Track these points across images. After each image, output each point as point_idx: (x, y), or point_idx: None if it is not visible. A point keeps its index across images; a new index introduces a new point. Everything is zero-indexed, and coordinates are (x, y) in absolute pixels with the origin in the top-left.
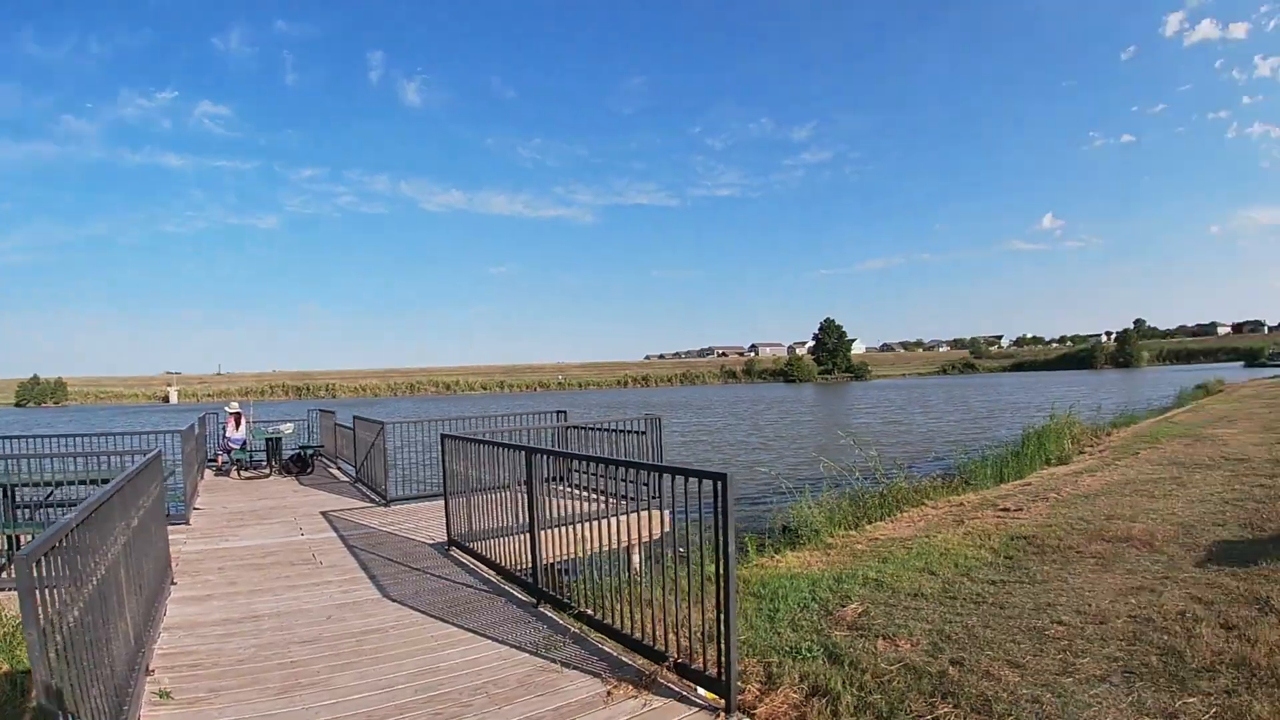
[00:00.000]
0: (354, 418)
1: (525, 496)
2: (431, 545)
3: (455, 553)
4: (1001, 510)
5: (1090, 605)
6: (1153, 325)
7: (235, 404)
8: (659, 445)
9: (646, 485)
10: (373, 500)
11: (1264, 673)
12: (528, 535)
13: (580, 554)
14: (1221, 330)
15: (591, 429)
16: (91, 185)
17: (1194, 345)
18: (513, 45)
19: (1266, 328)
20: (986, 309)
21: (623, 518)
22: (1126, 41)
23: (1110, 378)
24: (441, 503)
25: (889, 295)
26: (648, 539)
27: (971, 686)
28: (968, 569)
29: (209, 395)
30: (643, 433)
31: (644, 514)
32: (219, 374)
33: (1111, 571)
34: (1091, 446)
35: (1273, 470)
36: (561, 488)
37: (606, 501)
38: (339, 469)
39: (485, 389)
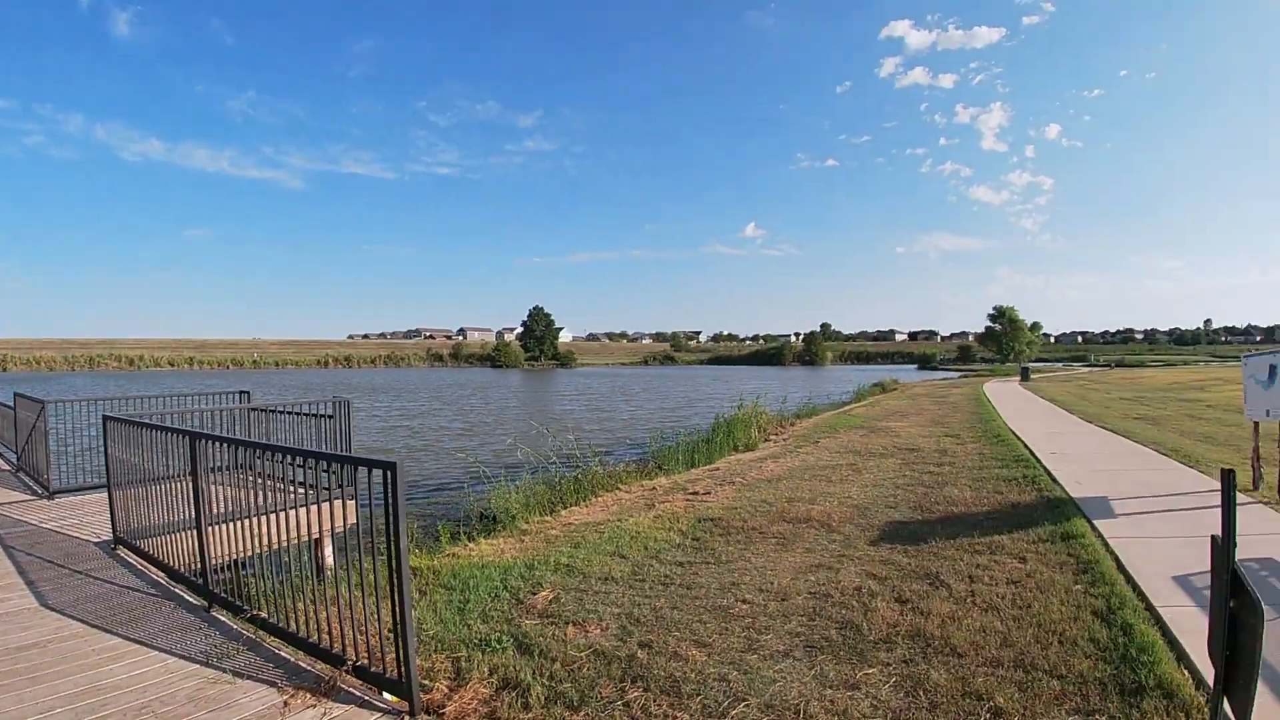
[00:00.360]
0: (15, 395)
1: (191, 488)
2: (97, 544)
3: (122, 552)
4: (691, 494)
5: (772, 583)
6: (837, 329)
7: None
8: (347, 431)
9: (334, 473)
10: (35, 492)
11: (938, 643)
12: (195, 531)
13: (262, 549)
14: (899, 337)
15: (275, 412)
16: None
17: (873, 348)
18: None
19: (939, 337)
20: (688, 306)
21: (308, 509)
22: (844, 77)
23: (797, 373)
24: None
25: (598, 287)
26: (340, 529)
27: (660, 668)
28: (657, 551)
29: None
30: (330, 416)
31: (333, 504)
32: None
33: (792, 550)
34: (776, 435)
35: (939, 460)
36: (244, 476)
37: (294, 492)
38: None
39: (173, 365)
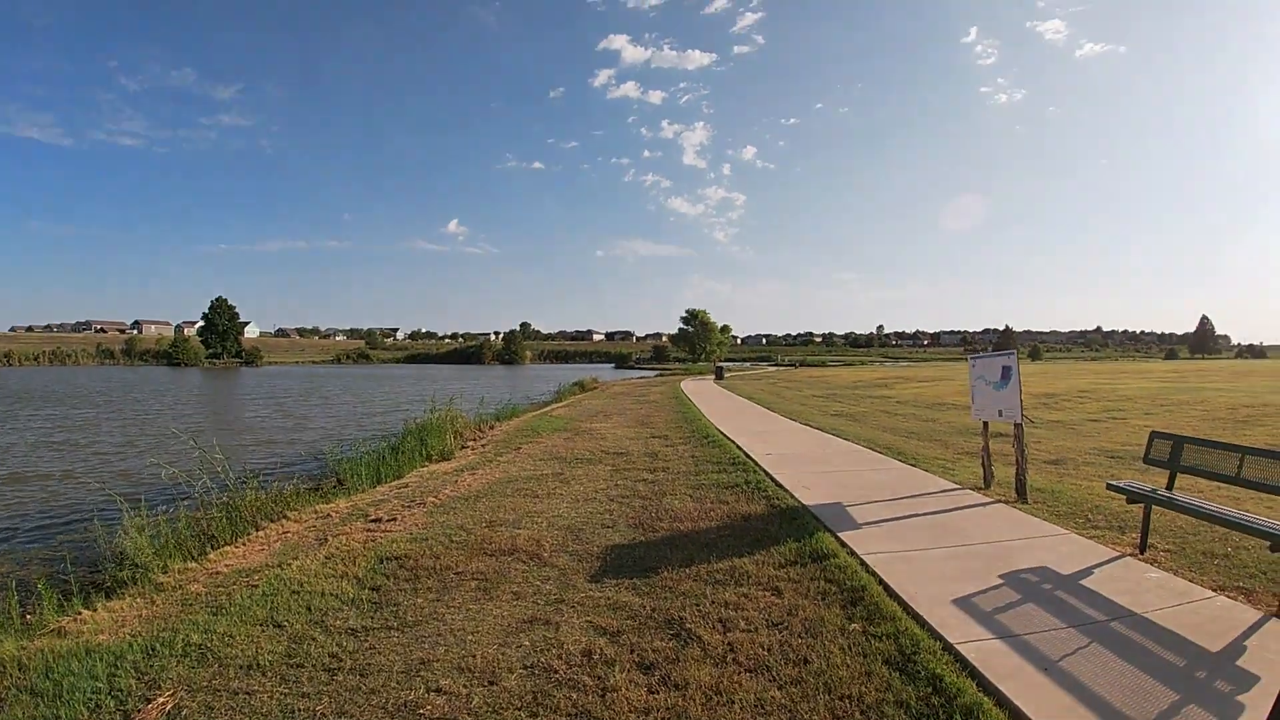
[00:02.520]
0: None
1: None
2: None
3: None
4: (373, 521)
5: (476, 655)
6: (537, 328)
7: None
8: None
9: None
10: None
11: None
12: None
13: None
14: (597, 336)
15: None
16: None
17: (572, 347)
18: None
19: (635, 337)
20: (385, 302)
21: None
22: (559, 83)
23: (498, 372)
24: None
25: (288, 279)
26: None
27: None
28: (323, 613)
29: None
30: None
31: None
32: None
33: (497, 598)
34: (474, 441)
35: (651, 465)
36: None
37: None
38: None
39: None
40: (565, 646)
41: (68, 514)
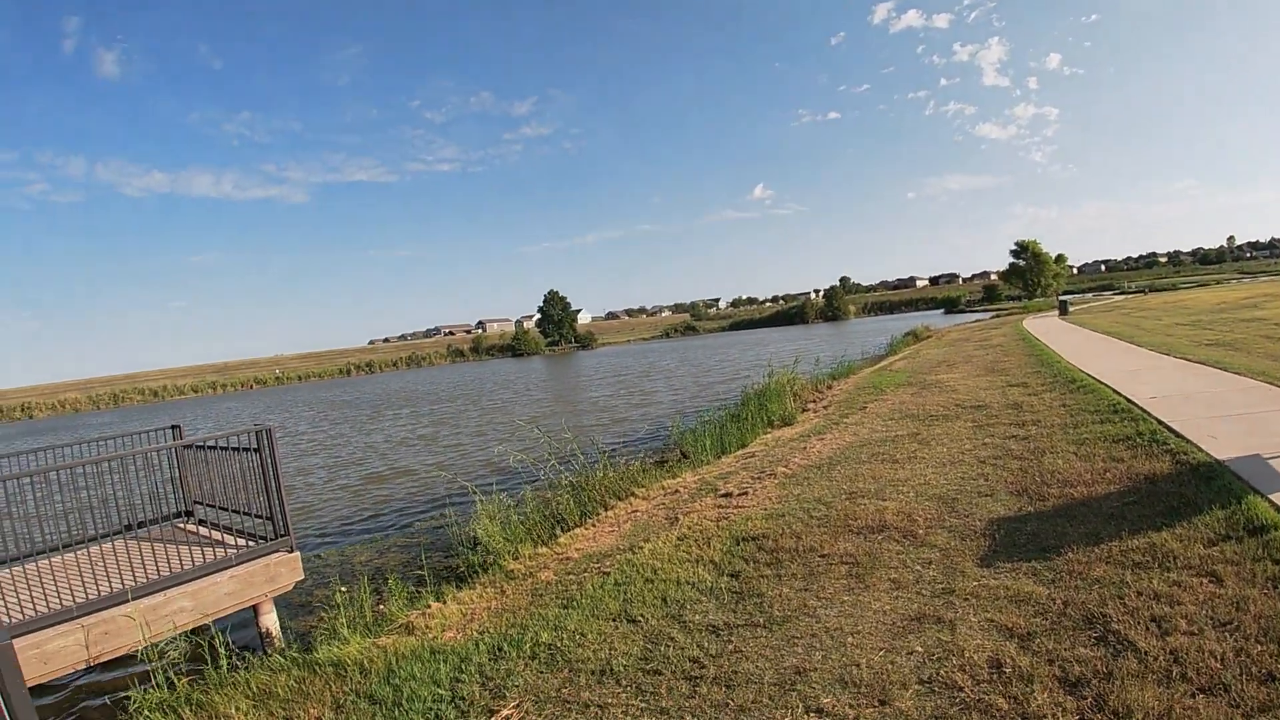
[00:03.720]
0: None
1: None
2: None
3: None
4: (723, 496)
5: (859, 664)
6: (857, 281)
7: None
8: (273, 466)
9: (270, 519)
10: None
11: None
12: None
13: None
14: (920, 283)
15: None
16: None
17: (895, 297)
18: (219, 11)
19: (960, 279)
20: (704, 273)
21: (226, 572)
22: (837, 27)
23: (822, 330)
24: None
25: (611, 265)
26: (276, 591)
27: None
28: (680, 606)
29: None
30: (253, 449)
31: (268, 560)
32: None
33: (873, 587)
34: (815, 403)
35: (1017, 417)
36: (184, 524)
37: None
38: None
39: (196, 391)
40: (966, 654)
41: (425, 503)
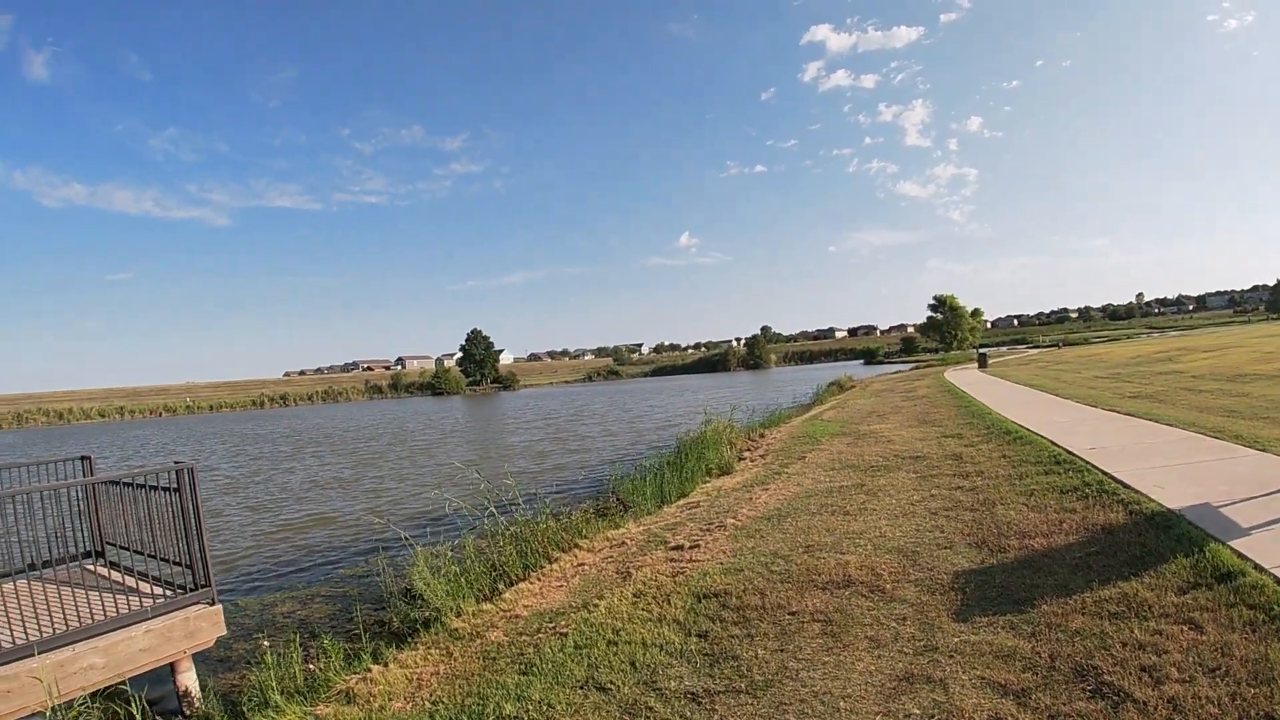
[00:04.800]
0: None
1: None
2: None
3: None
4: (674, 549)
5: None
6: (778, 331)
7: None
8: (196, 507)
9: (190, 567)
10: None
11: None
12: None
13: (86, 688)
14: (839, 334)
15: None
16: None
17: (815, 347)
18: (153, 20)
19: (879, 331)
20: (628, 319)
21: (141, 626)
22: (769, 83)
23: (745, 378)
24: None
25: (534, 307)
26: (196, 647)
27: None
28: (651, 670)
29: None
30: (174, 489)
31: (188, 613)
32: None
33: (851, 646)
34: (750, 451)
35: (959, 468)
36: (93, 567)
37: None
38: None
39: (104, 416)
40: (966, 714)
41: (350, 550)
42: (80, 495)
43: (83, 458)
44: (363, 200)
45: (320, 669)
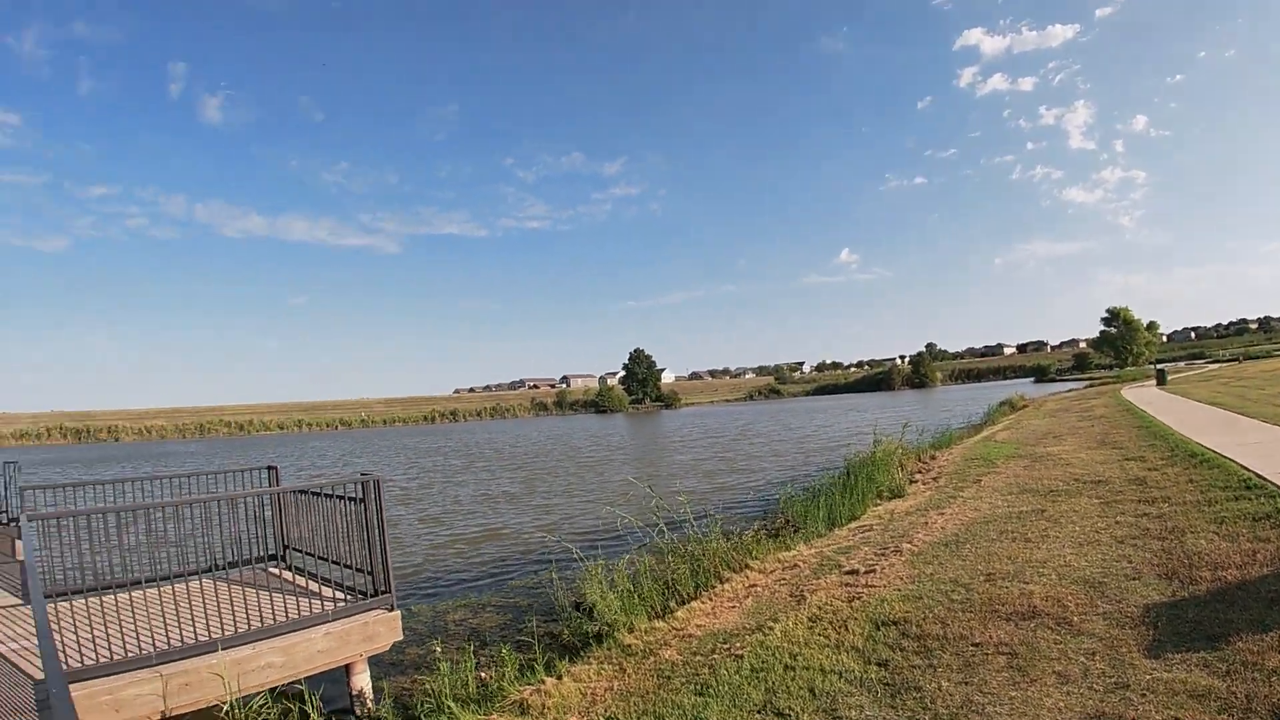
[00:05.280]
0: (10, 478)
1: None
2: (35, 684)
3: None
4: (849, 574)
5: None
6: (943, 348)
7: None
8: (380, 517)
9: (370, 574)
10: (24, 593)
11: None
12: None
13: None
14: (1007, 350)
15: (301, 493)
16: None
17: (983, 365)
18: (322, 65)
19: (1049, 346)
20: (789, 337)
21: (321, 628)
22: (924, 91)
23: (909, 397)
24: (100, 600)
25: (695, 326)
26: (373, 651)
27: None
28: (831, 699)
29: None
30: (358, 499)
31: (367, 617)
32: None
33: (1039, 680)
34: (921, 474)
35: (1143, 493)
36: (276, 570)
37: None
38: None
39: (283, 428)
40: None
41: (520, 562)
42: (264, 502)
43: (269, 467)
44: (526, 226)
45: (492, 678)
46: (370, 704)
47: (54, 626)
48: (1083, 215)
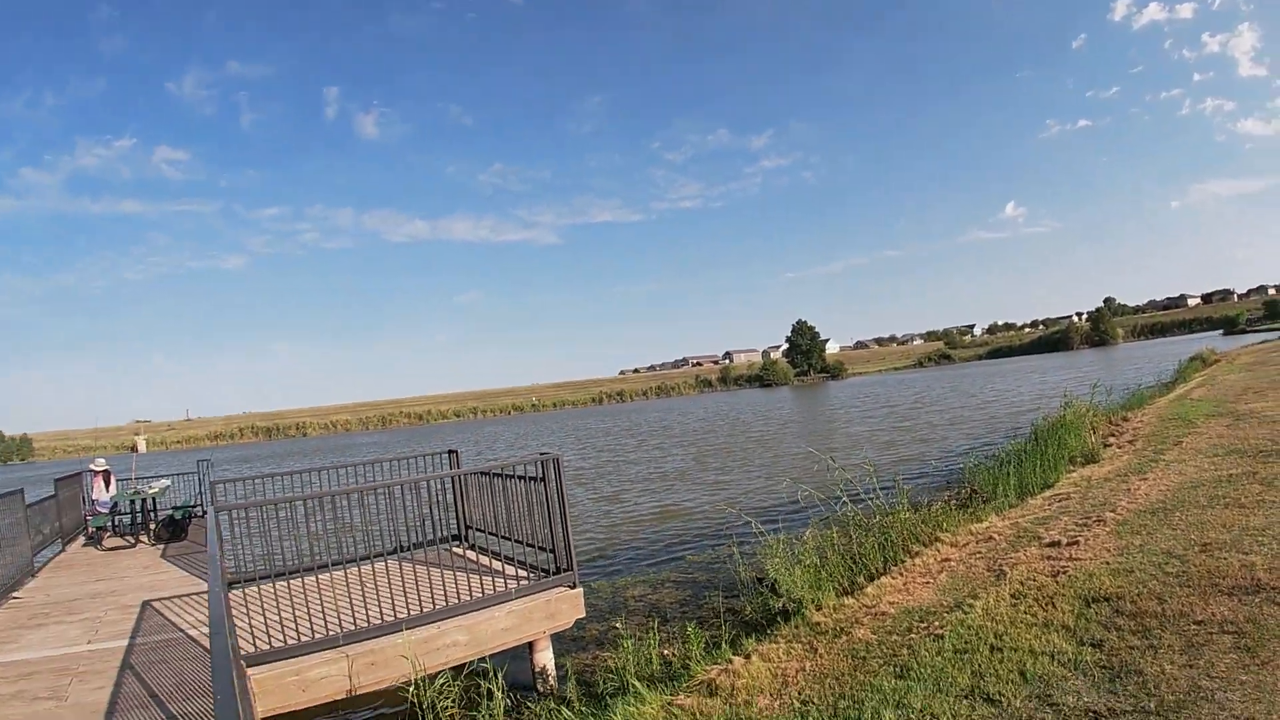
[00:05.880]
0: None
1: None
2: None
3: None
4: (1050, 546)
5: None
6: (1122, 302)
7: (102, 460)
8: (561, 495)
9: (552, 552)
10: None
11: None
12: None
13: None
14: (1191, 301)
15: (481, 474)
16: (53, 237)
17: (1165, 319)
18: (467, 73)
19: (1235, 295)
20: (956, 299)
21: (504, 606)
22: (1077, 29)
23: (1088, 357)
24: (287, 585)
25: (857, 294)
26: (555, 628)
27: None
28: (1044, 683)
29: (178, 442)
30: (538, 479)
31: (549, 595)
32: (187, 419)
33: (1270, 664)
34: (1115, 437)
35: None
36: (459, 549)
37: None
38: None
39: (459, 416)
40: None
41: (695, 537)
42: (445, 485)
43: (449, 451)
44: (679, 207)
45: (675, 656)
46: (552, 681)
47: (243, 611)
48: (1262, 149)
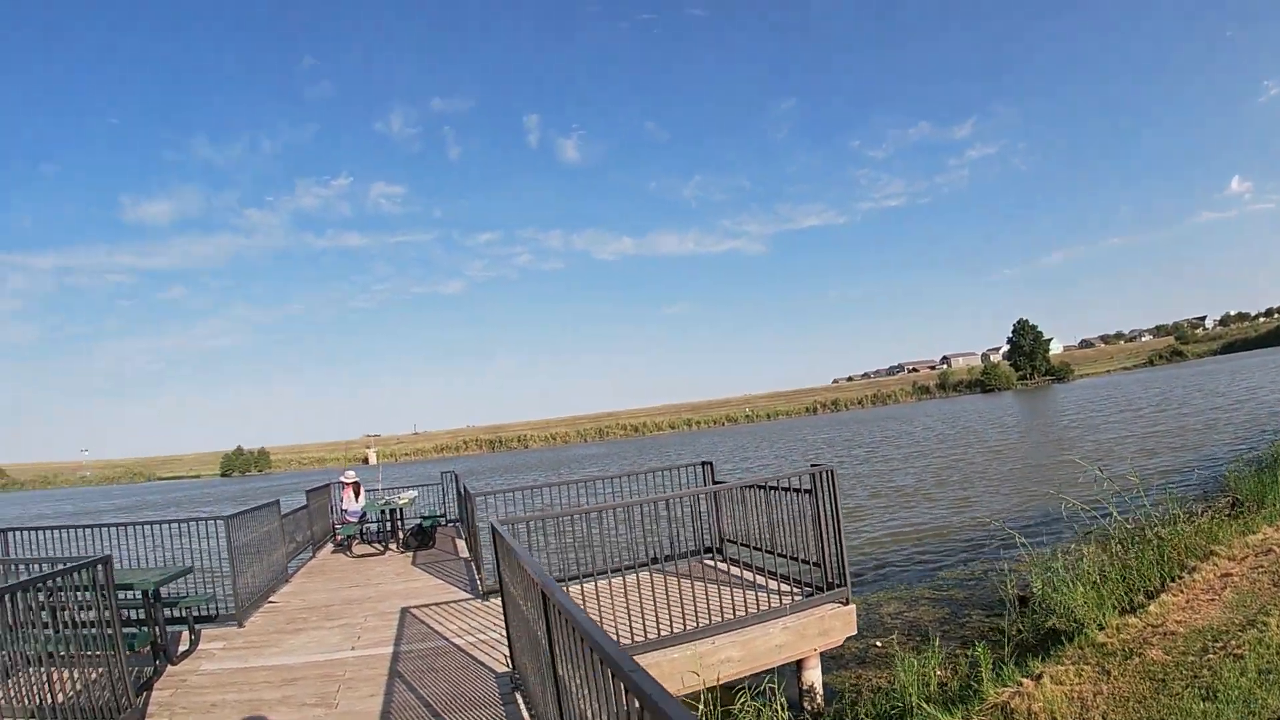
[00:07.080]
0: (464, 487)
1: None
2: (497, 677)
3: (521, 698)
4: None
5: None
6: None
7: (351, 471)
8: (835, 508)
9: (822, 566)
10: (474, 589)
11: None
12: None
13: (720, 680)
14: None
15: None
16: (281, 270)
17: None
18: (660, 90)
19: None
20: (1184, 289)
21: (778, 622)
22: None
23: None
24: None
25: (1080, 288)
26: (827, 645)
27: None
28: None
29: (406, 454)
30: (807, 491)
31: (822, 611)
32: (415, 433)
33: None
34: None
35: None
36: (709, 561)
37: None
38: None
39: (673, 428)
40: None
41: (942, 552)
42: (698, 497)
43: (704, 463)
44: (885, 205)
45: (949, 676)
46: (819, 699)
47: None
48: None
